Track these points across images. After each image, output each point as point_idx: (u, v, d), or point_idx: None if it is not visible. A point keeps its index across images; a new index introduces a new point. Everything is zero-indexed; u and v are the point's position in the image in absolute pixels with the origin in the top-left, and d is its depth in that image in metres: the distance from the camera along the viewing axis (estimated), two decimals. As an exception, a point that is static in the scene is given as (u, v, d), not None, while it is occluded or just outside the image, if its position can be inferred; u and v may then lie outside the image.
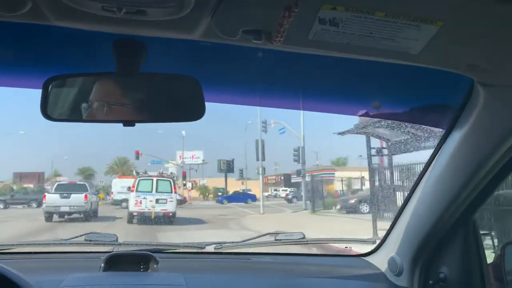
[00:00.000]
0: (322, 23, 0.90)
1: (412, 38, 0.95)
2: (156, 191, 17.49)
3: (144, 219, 15.95)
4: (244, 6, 0.87)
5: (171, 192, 17.82)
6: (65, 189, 18.82)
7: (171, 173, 24.34)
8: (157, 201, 17.03)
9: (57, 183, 21.22)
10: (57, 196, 17.73)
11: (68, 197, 17.41)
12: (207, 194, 44.63)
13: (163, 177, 19.49)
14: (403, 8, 0.88)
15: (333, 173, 33.84)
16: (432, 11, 0.88)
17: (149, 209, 16.50)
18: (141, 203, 16.70)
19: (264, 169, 26.34)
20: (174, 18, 0.87)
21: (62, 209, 17.18)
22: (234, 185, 45.40)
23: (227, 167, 41.77)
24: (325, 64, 1.25)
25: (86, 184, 20.83)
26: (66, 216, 17.33)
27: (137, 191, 17.52)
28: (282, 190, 49.13)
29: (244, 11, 0.89)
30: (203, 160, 45.88)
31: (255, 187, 44.18)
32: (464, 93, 1.28)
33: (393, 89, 1.52)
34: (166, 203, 17.13)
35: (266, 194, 47.05)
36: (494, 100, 1.20)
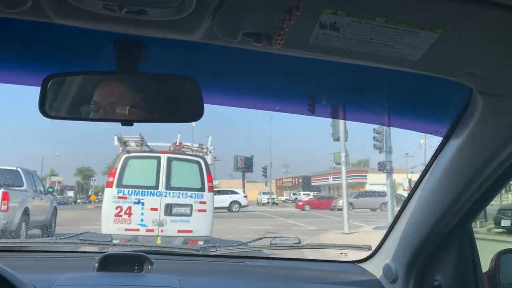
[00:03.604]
0: (322, 27, 0.90)
1: (412, 44, 0.95)
2: (167, 187, 8.11)
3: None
4: (245, 9, 0.88)
5: (203, 189, 8.24)
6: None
7: (200, 145, 10.34)
8: (168, 209, 7.99)
9: None
10: None
11: None
12: (221, 196, 35.69)
13: (183, 154, 9.04)
14: (403, 15, 0.88)
15: (365, 175, 31.75)
16: (433, 18, 0.88)
17: (149, 230, 7.88)
18: (129, 214, 7.82)
19: (347, 156, 14.85)
20: (174, 19, 0.87)
21: None
22: (249, 188, 37.17)
23: (245, 165, 34.06)
24: (326, 69, 1.26)
25: (20, 170, 10.45)
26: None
27: (120, 185, 7.97)
28: (304, 194, 41.38)
29: (244, 14, 0.89)
30: (215, 158, 37.91)
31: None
32: (463, 101, 1.29)
33: (392, 96, 1.52)
34: (190, 215, 8.02)
35: (283, 198, 42.56)
36: (493, 108, 1.21)
